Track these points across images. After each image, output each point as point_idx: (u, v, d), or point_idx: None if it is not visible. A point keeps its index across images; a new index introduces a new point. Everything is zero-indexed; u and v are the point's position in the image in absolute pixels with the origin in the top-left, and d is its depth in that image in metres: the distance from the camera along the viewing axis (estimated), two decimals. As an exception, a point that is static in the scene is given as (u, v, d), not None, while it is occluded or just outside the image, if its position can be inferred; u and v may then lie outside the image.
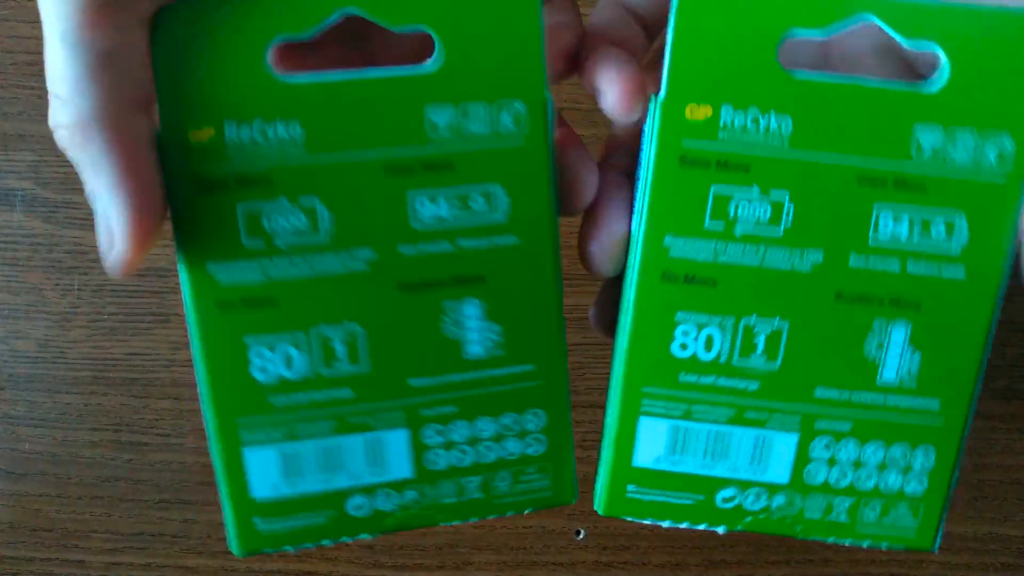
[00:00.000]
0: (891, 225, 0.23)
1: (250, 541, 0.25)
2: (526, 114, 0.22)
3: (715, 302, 0.23)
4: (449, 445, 0.25)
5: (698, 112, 0.22)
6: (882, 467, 0.24)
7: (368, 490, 0.25)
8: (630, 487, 0.25)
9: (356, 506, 0.25)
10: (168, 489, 0.39)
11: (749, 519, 0.25)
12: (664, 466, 0.25)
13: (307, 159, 0.22)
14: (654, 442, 0.25)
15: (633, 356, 0.24)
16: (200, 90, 0.21)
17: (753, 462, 0.25)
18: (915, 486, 0.25)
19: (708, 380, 0.24)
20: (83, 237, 0.37)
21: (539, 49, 0.22)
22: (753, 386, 0.24)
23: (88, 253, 0.38)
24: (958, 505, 0.38)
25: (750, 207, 0.23)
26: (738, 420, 0.24)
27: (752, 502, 0.25)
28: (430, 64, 0.22)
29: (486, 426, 0.25)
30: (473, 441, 0.25)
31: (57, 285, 0.38)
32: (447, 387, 0.24)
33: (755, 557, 0.39)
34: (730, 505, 0.25)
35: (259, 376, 0.23)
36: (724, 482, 0.25)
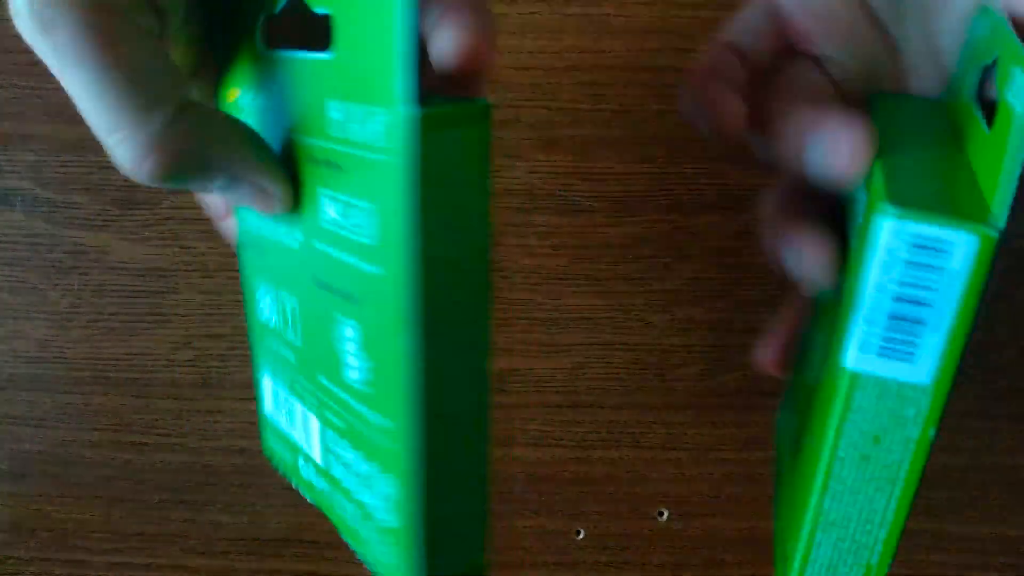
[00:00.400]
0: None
1: (265, 447, 0.28)
2: (388, 126, 0.17)
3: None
4: (337, 456, 0.23)
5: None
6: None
7: (306, 457, 0.25)
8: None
9: (302, 463, 0.25)
10: (168, 489, 0.39)
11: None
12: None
13: (267, 131, 0.22)
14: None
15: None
16: (228, 55, 0.23)
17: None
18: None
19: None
20: (83, 237, 0.37)
21: (401, 52, 0.17)
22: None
23: (88, 253, 0.38)
24: (958, 505, 0.38)
25: None
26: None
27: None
28: (327, 53, 0.19)
29: (352, 458, 0.22)
30: (347, 464, 0.22)
31: (57, 285, 0.38)
32: (338, 400, 0.22)
33: (755, 557, 0.39)
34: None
35: (261, 313, 0.25)
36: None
